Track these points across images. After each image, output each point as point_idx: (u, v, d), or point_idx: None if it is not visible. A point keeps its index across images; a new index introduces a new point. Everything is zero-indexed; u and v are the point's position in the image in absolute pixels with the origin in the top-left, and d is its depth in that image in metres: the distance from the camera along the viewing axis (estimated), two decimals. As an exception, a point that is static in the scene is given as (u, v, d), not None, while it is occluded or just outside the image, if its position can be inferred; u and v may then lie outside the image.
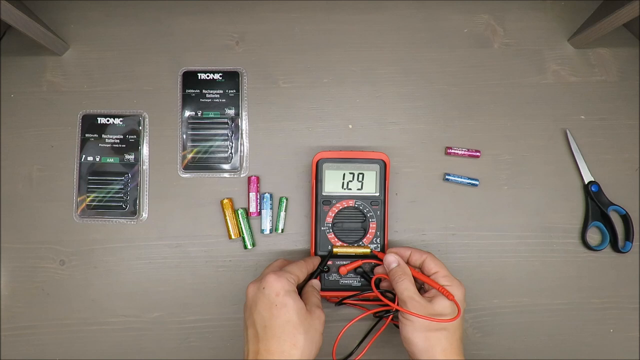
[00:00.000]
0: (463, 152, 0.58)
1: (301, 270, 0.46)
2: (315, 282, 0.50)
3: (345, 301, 0.51)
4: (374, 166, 0.53)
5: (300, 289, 0.48)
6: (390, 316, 0.49)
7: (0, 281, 0.56)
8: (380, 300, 0.47)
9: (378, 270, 0.52)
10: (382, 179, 0.53)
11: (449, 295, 0.44)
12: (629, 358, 0.56)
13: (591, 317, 0.57)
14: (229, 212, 0.56)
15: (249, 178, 0.57)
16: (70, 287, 0.56)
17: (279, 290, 0.41)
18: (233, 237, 0.56)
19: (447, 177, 0.58)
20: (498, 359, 0.56)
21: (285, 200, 0.57)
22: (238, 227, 0.56)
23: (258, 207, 0.57)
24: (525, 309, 0.56)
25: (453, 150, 0.58)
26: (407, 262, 0.49)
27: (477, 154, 0.58)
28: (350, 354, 0.53)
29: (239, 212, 0.56)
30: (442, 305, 0.43)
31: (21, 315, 0.56)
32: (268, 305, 0.41)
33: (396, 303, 0.45)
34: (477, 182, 0.58)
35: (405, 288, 0.44)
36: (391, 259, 0.48)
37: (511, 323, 0.56)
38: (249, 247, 0.56)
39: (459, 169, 0.58)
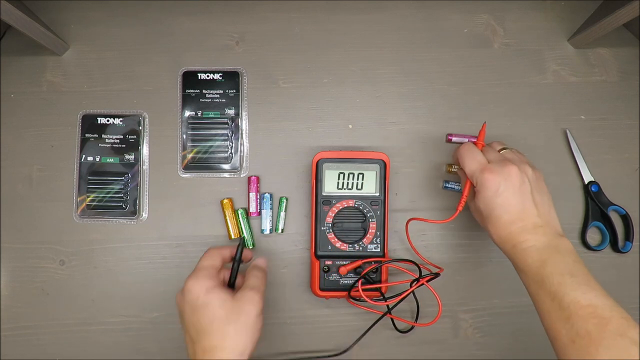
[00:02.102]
0: (465, 138, 0.58)
1: (213, 258, 0.46)
2: (260, 261, 0.49)
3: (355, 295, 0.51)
4: (374, 166, 0.53)
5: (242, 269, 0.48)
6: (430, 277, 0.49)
7: (0, 281, 0.56)
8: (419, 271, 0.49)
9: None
10: (382, 179, 0.53)
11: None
12: (629, 358, 0.56)
13: (591, 317, 0.57)
14: (229, 212, 0.56)
15: (249, 178, 0.57)
16: (70, 287, 0.56)
17: (198, 293, 0.42)
18: (233, 237, 0.56)
19: (445, 185, 0.58)
20: (498, 359, 0.55)
21: (285, 200, 0.57)
22: (238, 227, 0.56)
23: (258, 207, 0.57)
24: (525, 309, 0.56)
25: (455, 137, 0.58)
26: None
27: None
28: (347, 350, 0.53)
29: (239, 212, 0.56)
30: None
31: (21, 315, 0.56)
32: (192, 310, 0.42)
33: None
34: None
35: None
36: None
37: (511, 323, 0.56)
38: (249, 247, 0.56)
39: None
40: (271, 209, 0.57)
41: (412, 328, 0.55)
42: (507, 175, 0.43)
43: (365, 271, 0.51)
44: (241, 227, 0.56)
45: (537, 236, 0.42)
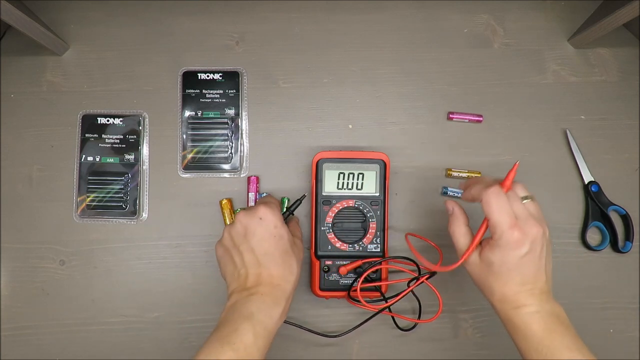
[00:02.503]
0: (466, 117, 0.59)
1: (275, 201, 0.50)
2: (295, 217, 0.56)
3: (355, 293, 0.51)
4: (374, 166, 0.53)
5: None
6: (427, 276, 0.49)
7: (0, 281, 0.56)
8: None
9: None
10: (382, 179, 0.53)
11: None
12: (629, 358, 0.56)
13: (591, 317, 0.57)
14: (227, 213, 0.56)
15: (249, 178, 0.57)
16: (70, 287, 0.56)
17: (276, 223, 0.46)
18: None
19: (444, 191, 0.58)
20: (498, 359, 0.55)
21: (287, 201, 0.57)
22: None
23: None
24: (525, 309, 0.56)
25: (456, 116, 0.59)
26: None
27: (480, 118, 0.59)
28: (343, 334, 0.54)
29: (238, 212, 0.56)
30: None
31: (21, 315, 0.56)
32: (268, 236, 0.45)
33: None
34: None
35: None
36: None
37: (511, 323, 0.56)
38: None
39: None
40: None
41: (414, 326, 0.55)
42: (534, 239, 0.40)
43: (366, 273, 0.50)
44: None
45: (542, 302, 0.41)
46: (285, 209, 0.55)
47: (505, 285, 0.41)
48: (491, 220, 0.41)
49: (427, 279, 0.49)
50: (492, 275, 0.42)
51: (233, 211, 0.57)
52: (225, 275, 0.47)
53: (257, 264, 0.45)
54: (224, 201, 0.56)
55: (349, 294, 0.51)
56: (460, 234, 0.44)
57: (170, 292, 0.56)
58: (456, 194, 0.57)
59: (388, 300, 0.50)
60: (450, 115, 0.58)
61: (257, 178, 0.57)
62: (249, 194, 0.57)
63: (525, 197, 0.43)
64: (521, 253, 0.40)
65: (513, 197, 0.42)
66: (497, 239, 0.40)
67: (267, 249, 0.45)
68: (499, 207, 0.40)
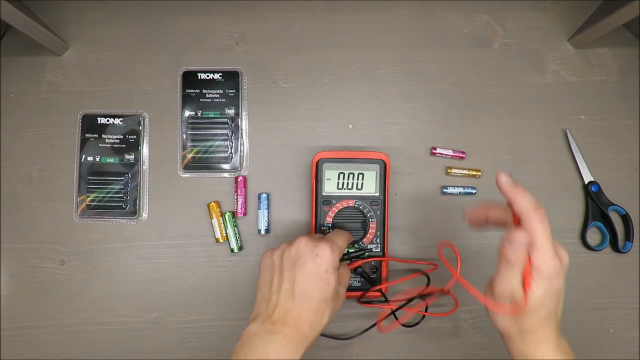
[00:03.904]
0: (448, 154, 0.58)
1: (345, 242, 0.46)
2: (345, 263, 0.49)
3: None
4: (374, 166, 0.53)
5: None
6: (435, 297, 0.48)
7: (0, 281, 0.56)
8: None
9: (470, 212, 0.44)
10: (382, 179, 0.53)
11: (526, 287, 0.36)
12: (629, 358, 0.56)
13: (591, 317, 0.57)
14: (216, 215, 0.56)
15: (236, 178, 0.57)
16: (70, 287, 0.56)
17: (328, 267, 0.42)
18: (221, 240, 0.56)
19: (444, 190, 0.58)
20: (498, 359, 0.55)
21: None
22: (223, 230, 0.56)
23: (244, 208, 0.57)
24: (525, 309, 0.56)
25: (438, 151, 0.58)
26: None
27: (463, 155, 0.58)
28: (350, 337, 0.54)
29: (226, 215, 0.56)
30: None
31: (21, 315, 0.56)
32: (314, 275, 0.41)
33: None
34: (474, 191, 0.58)
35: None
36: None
37: (511, 323, 0.56)
38: (235, 251, 0.56)
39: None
40: (267, 209, 0.57)
41: (422, 318, 0.54)
42: (565, 266, 0.38)
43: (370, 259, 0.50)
44: (226, 231, 0.56)
45: (559, 339, 0.39)
46: (346, 252, 0.51)
47: (530, 318, 0.37)
48: (537, 247, 0.36)
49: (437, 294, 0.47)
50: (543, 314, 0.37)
51: (221, 214, 0.57)
52: (257, 288, 0.44)
53: (291, 298, 0.41)
54: (212, 204, 0.56)
55: (360, 298, 0.51)
56: (515, 282, 0.37)
57: (170, 292, 0.56)
58: (455, 191, 0.57)
59: (389, 302, 0.50)
60: (433, 151, 0.58)
61: (245, 178, 0.57)
62: (238, 197, 0.56)
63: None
64: (561, 283, 0.37)
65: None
66: (540, 268, 0.36)
67: (308, 289, 0.41)
68: (547, 233, 0.36)
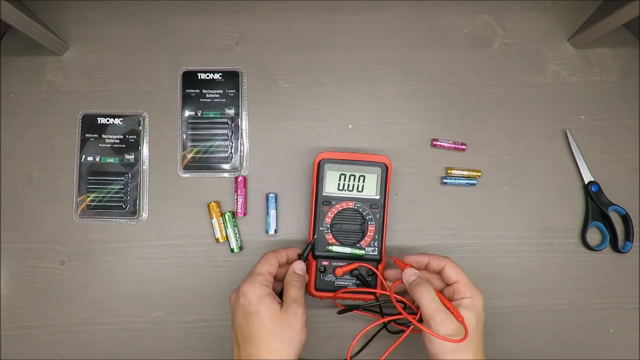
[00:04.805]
0: (449, 145, 0.58)
1: (270, 263, 0.47)
2: (298, 267, 0.49)
3: (355, 311, 0.51)
4: (376, 169, 0.53)
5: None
6: (411, 327, 0.46)
7: (0, 281, 0.56)
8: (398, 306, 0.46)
9: (389, 274, 0.51)
10: (383, 182, 0.53)
11: (458, 317, 0.42)
12: (629, 358, 0.56)
13: (591, 317, 0.57)
14: (216, 215, 0.56)
15: (235, 178, 0.57)
16: (70, 287, 0.56)
17: (251, 299, 0.43)
18: (221, 240, 0.56)
19: (444, 181, 0.58)
20: (498, 359, 0.55)
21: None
22: (223, 230, 0.56)
23: (244, 208, 0.57)
24: (525, 309, 0.56)
25: (439, 143, 0.58)
26: (426, 269, 0.49)
27: (463, 147, 0.58)
28: (355, 355, 0.53)
29: (226, 215, 0.56)
30: (467, 316, 0.43)
31: (21, 315, 0.56)
32: (243, 314, 0.43)
33: (418, 316, 0.45)
34: (474, 181, 0.58)
35: (431, 302, 0.43)
36: (410, 273, 0.47)
37: (511, 323, 0.56)
38: (236, 251, 0.56)
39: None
40: (275, 209, 0.57)
41: (406, 328, 0.50)
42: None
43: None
44: (226, 231, 0.56)
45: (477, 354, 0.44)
46: (302, 252, 0.51)
47: (468, 348, 0.42)
48: (461, 283, 0.45)
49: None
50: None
51: (221, 214, 0.57)
52: (232, 332, 0.46)
53: (238, 346, 0.44)
54: (212, 204, 0.56)
55: (360, 307, 0.49)
56: (431, 298, 0.43)
57: (170, 292, 0.56)
58: (456, 182, 0.58)
59: (385, 317, 0.50)
60: (434, 142, 0.58)
61: (245, 178, 0.57)
62: (238, 197, 0.57)
63: None
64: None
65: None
66: (470, 299, 0.44)
67: (244, 329, 0.43)
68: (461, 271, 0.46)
